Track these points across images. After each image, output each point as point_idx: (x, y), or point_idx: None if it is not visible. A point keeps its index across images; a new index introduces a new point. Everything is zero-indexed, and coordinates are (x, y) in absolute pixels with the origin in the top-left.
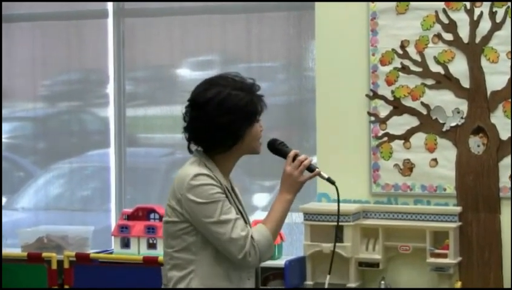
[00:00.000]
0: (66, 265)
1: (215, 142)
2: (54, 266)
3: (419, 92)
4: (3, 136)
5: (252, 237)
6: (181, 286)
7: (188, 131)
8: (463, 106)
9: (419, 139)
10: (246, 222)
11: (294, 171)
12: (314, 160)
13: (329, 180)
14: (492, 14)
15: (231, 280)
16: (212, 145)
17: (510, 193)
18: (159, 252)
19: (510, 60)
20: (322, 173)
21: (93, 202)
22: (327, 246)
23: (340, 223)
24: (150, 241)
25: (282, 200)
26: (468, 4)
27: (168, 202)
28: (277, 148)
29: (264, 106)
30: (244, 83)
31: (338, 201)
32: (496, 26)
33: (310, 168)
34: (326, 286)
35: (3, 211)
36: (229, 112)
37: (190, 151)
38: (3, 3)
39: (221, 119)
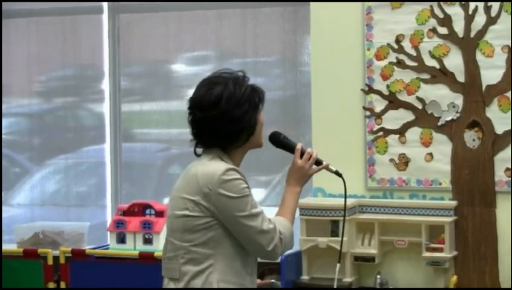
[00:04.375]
0: (62, 261)
1: (233, 137)
2: (50, 261)
3: (415, 86)
4: None
5: (278, 229)
6: (199, 280)
7: (201, 134)
8: (459, 100)
9: (414, 133)
10: None
11: (305, 164)
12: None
13: (337, 173)
14: (487, 9)
15: (242, 275)
16: (230, 141)
17: (506, 187)
18: (155, 248)
19: (506, 54)
20: (330, 166)
21: (89, 197)
22: (323, 241)
23: (336, 218)
24: (146, 236)
25: (294, 192)
26: None
27: (188, 197)
28: (282, 141)
29: (263, 94)
30: (238, 76)
31: (345, 194)
32: (491, 20)
33: (318, 161)
34: (336, 276)
35: None
36: (240, 105)
37: (196, 154)
38: None
39: (235, 112)
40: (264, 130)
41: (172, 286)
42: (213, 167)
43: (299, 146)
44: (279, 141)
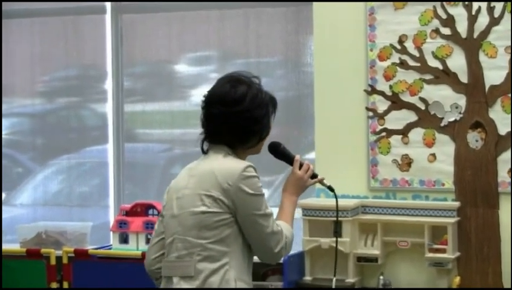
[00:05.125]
0: (65, 261)
1: (248, 136)
2: (53, 261)
3: (417, 87)
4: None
5: (284, 233)
6: (216, 278)
7: (217, 129)
8: (462, 101)
9: (417, 134)
10: None
11: (304, 175)
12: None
13: (330, 188)
14: (490, 9)
15: (250, 274)
16: (244, 140)
17: (509, 188)
18: None
19: (509, 55)
20: (324, 180)
21: (92, 197)
22: (326, 242)
23: (338, 219)
24: (149, 236)
25: (292, 200)
26: None
27: (205, 193)
28: (282, 151)
29: (276, 104)
30: (256, 81)
31: (337, 208)
32: (494, 21)
33: (314, 174)
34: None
35: (2, 207)
36: (261, 107)
37: (203, 151)
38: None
39: (256, 113)
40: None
41: (185, 285)
42: (232, 163)
43: (297, 157)
44: (278, 151)
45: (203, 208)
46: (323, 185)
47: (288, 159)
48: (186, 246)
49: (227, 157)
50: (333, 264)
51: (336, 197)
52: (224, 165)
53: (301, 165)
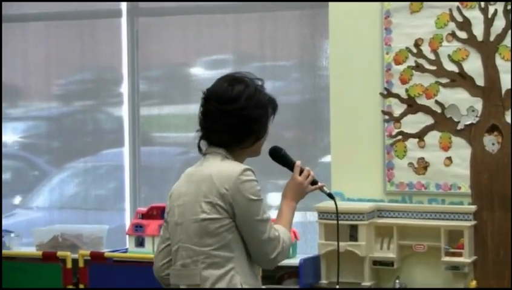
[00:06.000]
0: (81, 264)
1: (243, 136)
2: (69, 265)
3: (433, 90)
4: (17, 136)
5: (282, 238)
6: (222, 283)
7: (212, 127)
8: (478, 104)
9: (433, 137)
10: None
11: (304, 181)
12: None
13: (330, 195)
14: (507, 12)
15: (255, 277)
16: (238, 139)
17: None
18: None
19: None
20: (324, 187)
21: (107, 201)
22: (342, 245)
23: (354, 222)
24: None
25: (291, 206)
26: (482, 2)
27: (204, 199)
28: (282, 156)
29: (276, 107)
30: (258, 82)
31: (337, 217)
32: (511, 24)
33: (314, 181)
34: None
35: (18, 211)
36: (258, 107)
37: (200, 149)
38: (17, 4)
39: (252, 112)
40: (282, 134)
41: None
42: (229, 166)
43: (298, 163)
44: (279, 156)
45: (203, 215)
46: (323, 192)
47: (289, 164)
48: (189, 254)
49: (224, 161)
50: (349, 268)
51: (336, 204)
52: (221, 169)
53: (301, 171)
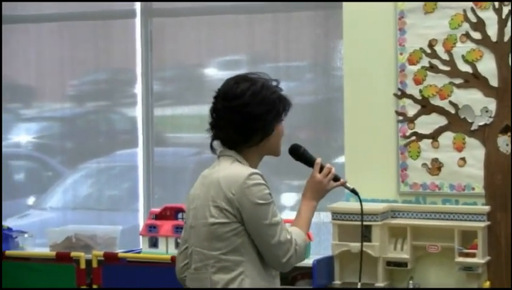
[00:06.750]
0: (94, 265)
1: (247, 133)
2: (83, 265)
3: (447, 91)
4: (31, 136)
5: (295, 240)
6: (232, 288)
7: (218, 124)
8: (492, 104)
9: (447, 138)
10: None
11: (324, 179)
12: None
13: (353, 191)
14: None
15: (269, 279)
16: (243, 137)
17: None
18: None
19: None
20: (347, 183)
21: (121, 201)
22: (355, 246)
23: (368, 223)
24: (179, 240)
25: (310, 205)
26: (496, 3)
27: (213, 204)
28: (302, 154)
29: (289, 106)
30: (271, 80)
31: (361, 211)
32: None
33: (336, 177)
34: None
35: (31, 211)
36: (262, 104)
37: (212, 149)
38: (31, 4)
39: (256, 109)
40: (295, 135)
41: None
42: (236, 170)
43: (318, 160)
44: (298, 153)
45: (212, 220)
46: (346, 188)
47: (308, 162)
48: (201, 258)
49: (234, 164)
50: (363, 269)
51: (360, 200)
52: (228, 173)
53: (321, 169)
